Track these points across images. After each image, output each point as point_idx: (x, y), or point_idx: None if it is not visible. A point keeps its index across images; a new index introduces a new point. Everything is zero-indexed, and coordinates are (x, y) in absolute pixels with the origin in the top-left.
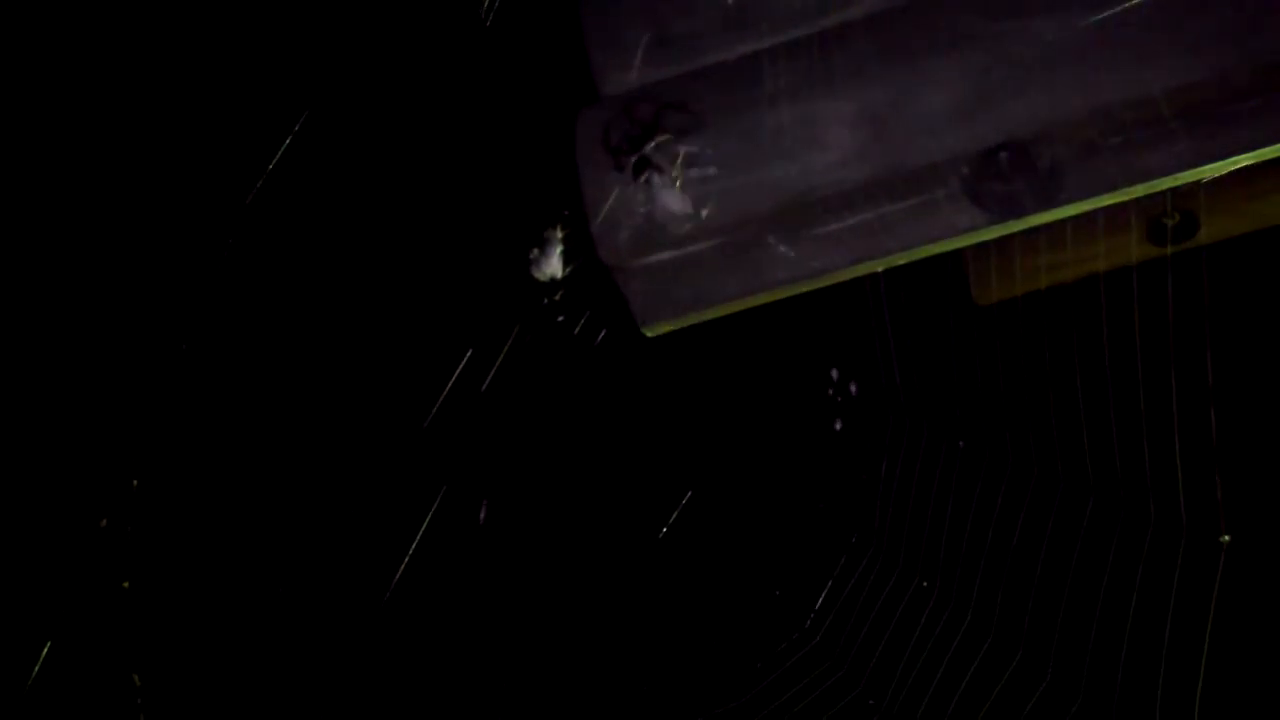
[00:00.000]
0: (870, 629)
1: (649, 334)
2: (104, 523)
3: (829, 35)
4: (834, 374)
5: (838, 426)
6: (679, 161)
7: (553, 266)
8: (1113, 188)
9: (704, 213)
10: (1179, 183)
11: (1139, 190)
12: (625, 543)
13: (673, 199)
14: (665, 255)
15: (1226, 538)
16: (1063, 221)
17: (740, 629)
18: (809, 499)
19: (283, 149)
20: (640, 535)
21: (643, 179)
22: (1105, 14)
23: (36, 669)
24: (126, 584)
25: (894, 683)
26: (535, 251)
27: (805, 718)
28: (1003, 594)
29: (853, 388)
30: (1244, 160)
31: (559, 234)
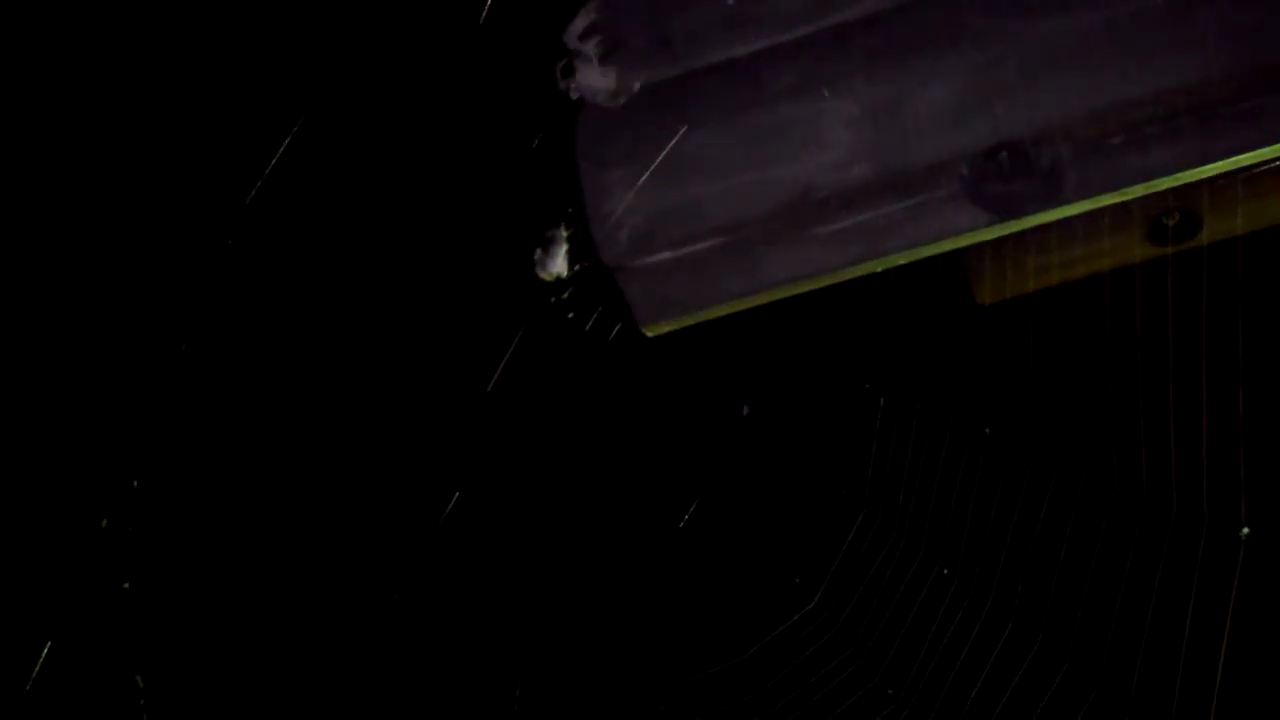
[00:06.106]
0: (892, 614)
1: (649, 334)
2: (104, 523)
3: (829, 35)
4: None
5: (849, 415)
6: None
7: (558, 265)
8: (1113, 188)
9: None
10: (1179, 183)
11: (1139, 190)
12: (643, 533)
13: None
14: (665, 255)
15: (1246, 530)
16: (1062, 221)
17: (754, 613)
18: (829, 487)
19: (282, 149)
20: (659, 526)
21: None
22: (1106, 13)
23: (37, 669)
24: (127, 585)
25: (913, 670)
26: (539, 252)
27: (822, 702)
28: (1023, 583)
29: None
30: (1244, 160)
31: (564, 233)
